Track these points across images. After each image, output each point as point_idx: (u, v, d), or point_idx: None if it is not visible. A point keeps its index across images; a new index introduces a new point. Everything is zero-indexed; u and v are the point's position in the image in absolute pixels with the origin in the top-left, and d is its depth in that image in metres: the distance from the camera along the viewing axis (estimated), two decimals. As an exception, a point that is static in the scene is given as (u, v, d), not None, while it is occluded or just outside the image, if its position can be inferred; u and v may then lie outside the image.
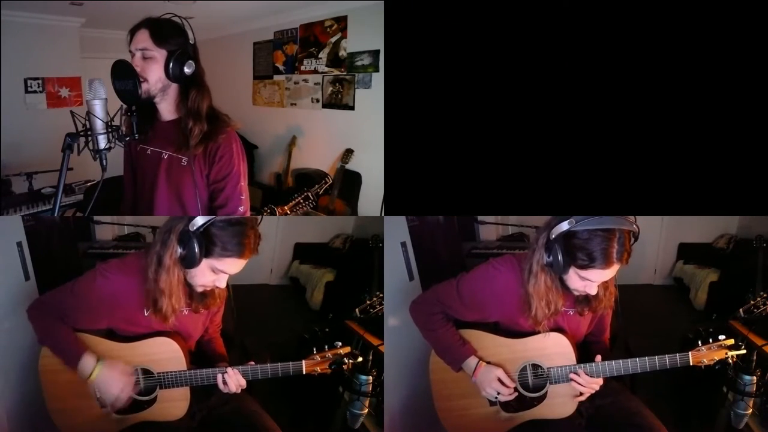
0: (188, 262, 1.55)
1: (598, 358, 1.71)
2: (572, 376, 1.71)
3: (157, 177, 1.77)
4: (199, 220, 1.53)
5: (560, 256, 1.56)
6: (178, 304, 1.64)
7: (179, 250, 1.55)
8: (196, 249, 1.52)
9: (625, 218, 1.56)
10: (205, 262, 1.56)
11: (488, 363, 1.77)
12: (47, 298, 1.72)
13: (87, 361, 1.64)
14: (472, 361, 1.77)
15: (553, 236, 1.57)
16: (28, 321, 1.72)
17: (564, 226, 1.55)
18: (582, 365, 1.71)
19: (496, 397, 1.76)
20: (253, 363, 1.71)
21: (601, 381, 1.71)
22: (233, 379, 1.68)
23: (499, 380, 1.74)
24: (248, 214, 1.82)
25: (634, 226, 1.56)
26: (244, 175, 1.82)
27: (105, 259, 1.75)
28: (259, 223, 1.63)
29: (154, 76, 1.69)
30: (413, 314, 1.90)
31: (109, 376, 1.64)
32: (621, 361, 1.69)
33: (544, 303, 1.65)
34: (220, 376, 1.68)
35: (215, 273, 1.58)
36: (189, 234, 1.53)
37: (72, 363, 1.65)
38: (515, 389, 1.76)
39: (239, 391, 1.70)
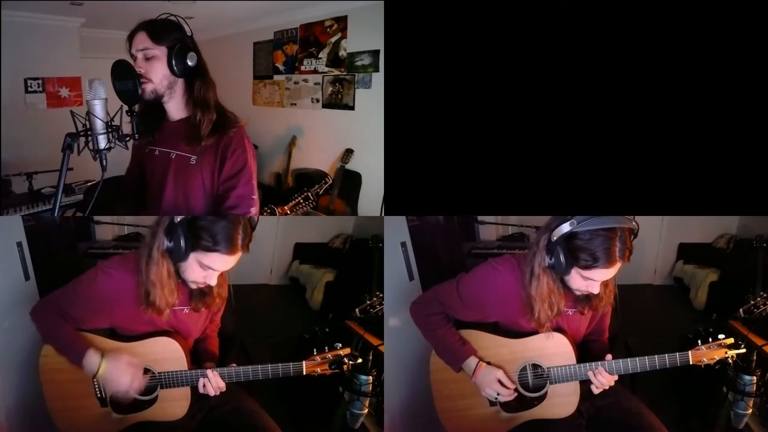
0: (175, 254, 1.55)
1: (609, 357, 1.71)
2: (591, 374, 1.70)
3: (165, 177, 1.77)
4: None
5: (562, 258, 1.57)
6: (171, 298, 1.63)
7: (166, 243, 1.55)
8: (182, 241, 1.52)
9: (624, 216, 1.56)
10: (193, 256, 1.55)
11: (488, 363, 1.77)
12: (50, 299, 1.72)
13: (92, 357, 1.64)
14: (472, 361, 1.77)
15: (555, 238, 1.58)
16: (31, 322, 1.72)
17: (565, 227, 1.56)
18: (601, 363, 1.70)
19: (496, 398, 1.76)
20: (235, 364, 1.71)
21: (616, 377, 1.71)
22: (213, 382, 1.67)
23: (500, 381, 1.74)
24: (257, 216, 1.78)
25: (633, 223, 1.57)
26: (255, 173, 1.80)
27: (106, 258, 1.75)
28: (255, 224, 1.62)
29: (158, 74, 1.70)
30: (413, 314, 1.90)
31: (116, 369, 1.64)
32: (621, 360, 1.70)
33: (546, 305, 1.66)
34: (201, 380, 1.68)
35: (203, 269, 1.57)
36: (175, 226, 1.53)
37: (77, 360, 1.65)
38: (515, 390, 1.76)
39: (218, 393, 1.69)
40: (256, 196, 1.78)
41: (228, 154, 1.74)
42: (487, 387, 1.76)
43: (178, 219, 1.53)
